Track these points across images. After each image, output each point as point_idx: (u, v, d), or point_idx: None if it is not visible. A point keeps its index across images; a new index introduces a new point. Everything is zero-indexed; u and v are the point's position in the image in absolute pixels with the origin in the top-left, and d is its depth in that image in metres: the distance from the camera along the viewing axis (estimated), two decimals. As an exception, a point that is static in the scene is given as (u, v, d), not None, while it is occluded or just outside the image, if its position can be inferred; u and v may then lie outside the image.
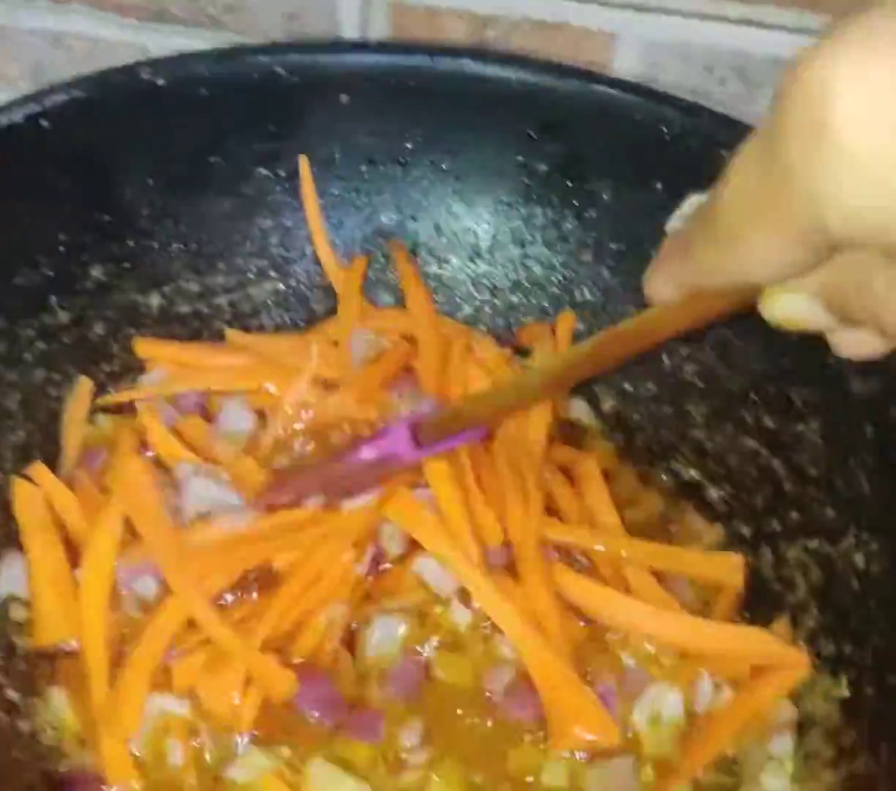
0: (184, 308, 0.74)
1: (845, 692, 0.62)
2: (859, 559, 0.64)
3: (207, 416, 0.72)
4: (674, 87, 0.77)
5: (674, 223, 0.41)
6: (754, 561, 0.70)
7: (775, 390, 0.71)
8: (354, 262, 0.77)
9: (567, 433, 0.76)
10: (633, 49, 0.78)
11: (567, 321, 0.77)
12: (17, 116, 0.63)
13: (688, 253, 0.36)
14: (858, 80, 0.25)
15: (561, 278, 0.77)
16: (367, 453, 0.62)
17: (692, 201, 0.40)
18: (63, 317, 0.69)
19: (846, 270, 0.34)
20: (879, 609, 0.62)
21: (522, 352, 0.78)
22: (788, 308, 0.37)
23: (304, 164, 0.74)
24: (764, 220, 0.30)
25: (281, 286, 0.77)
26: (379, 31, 0.80)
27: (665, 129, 0.70)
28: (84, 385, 0.71)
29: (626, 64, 0.78)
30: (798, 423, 0.70)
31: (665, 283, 0.39)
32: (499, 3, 0.78)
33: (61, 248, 0.68)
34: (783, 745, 0.61)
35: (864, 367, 0.68)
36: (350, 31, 0.80)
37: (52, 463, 0.68)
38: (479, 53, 0.72)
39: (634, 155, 0.72)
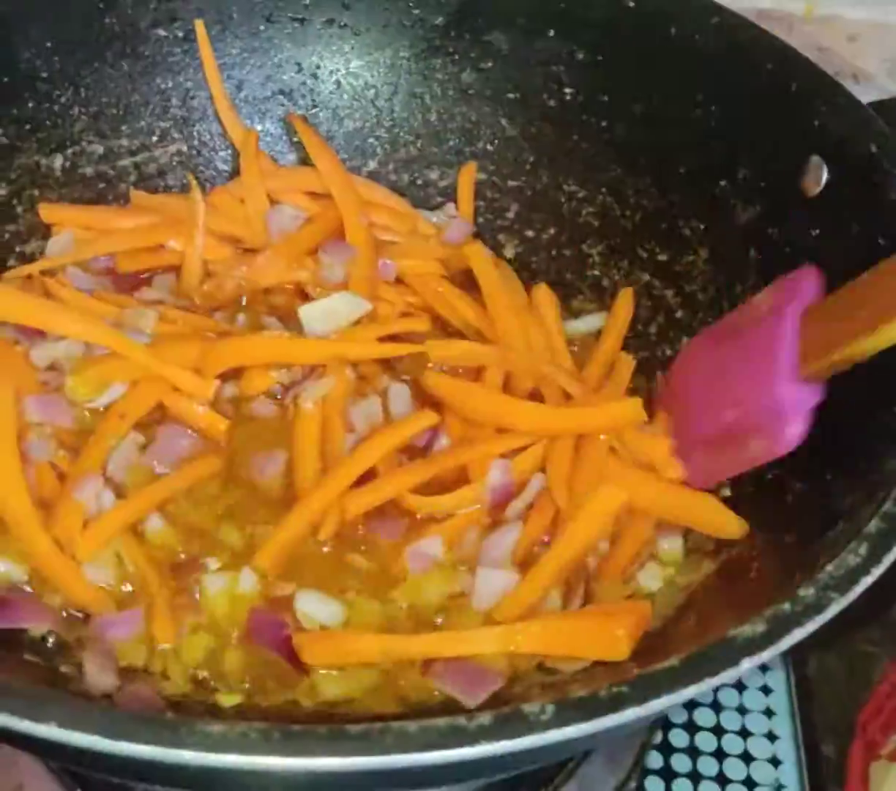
0: (88, 170, 0.75)
1: (727, 491, 0.65)
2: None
3: (117, 278, 0.74)
4: None
5: None
6: (650, 385, 0.73)
7: (666, 225, 0.73)
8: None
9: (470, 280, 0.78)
10: None
11: (469, 171, 0.79)
12: None
13: None
14: None
15: (461, 129, 0.79)
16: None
17: None
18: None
19: None
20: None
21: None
22: None
23: (200, 27, 0.75)
24: None
25: (184, 147, 0.78)
26: None
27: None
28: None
29: None
30: (688, 253, 0.72)
31: None
32: None
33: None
34: (672, 544, 0.64)
35: (747, 195, 0.70)
36: None
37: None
38: None
39: (528, 4, 0.73)
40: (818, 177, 0.66)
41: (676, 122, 0.72)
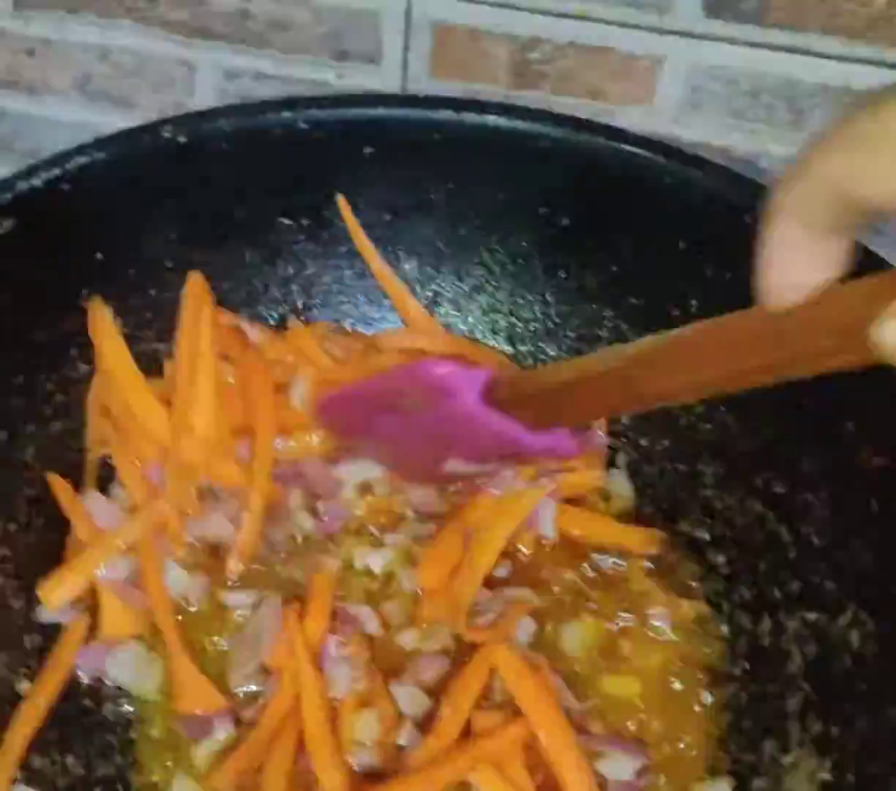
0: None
1: (828, 776, 0.62)
2: (855, 638, 0.64)
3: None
4: (719, 112, 0.77)
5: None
6: (753, 627, 0.70)
7: (786, 456, 0.71)
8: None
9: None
10: (678, 74, 0.77)
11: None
12: (37, 181, 0.65)
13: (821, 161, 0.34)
14: None
15: (579, 331, 0.77)
16: (438, 368, 0.57)
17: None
18: (83, 369, 0.71)
19: None
20: (868, 692, 0.62)
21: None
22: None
23: (344, 206, 0.75)
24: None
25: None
26: (421, 50, 0.79)
27: (690, 193, 0.69)
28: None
29: (669, 89, 0.77)
30: (806, 491, 0.70)
31: (791, 219, 0.36)
32: (543, 25, 0.77)
33: (83, 304, 0.70)
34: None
35: (878, 441, 0.67)
36: (392, 51, 0.80)
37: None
38: (505, 109, 0.71)
39: (659, 215, 0.71)
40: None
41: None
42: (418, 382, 0.59)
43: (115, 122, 0.88)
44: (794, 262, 0.37)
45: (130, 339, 0.72)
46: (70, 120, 0.90)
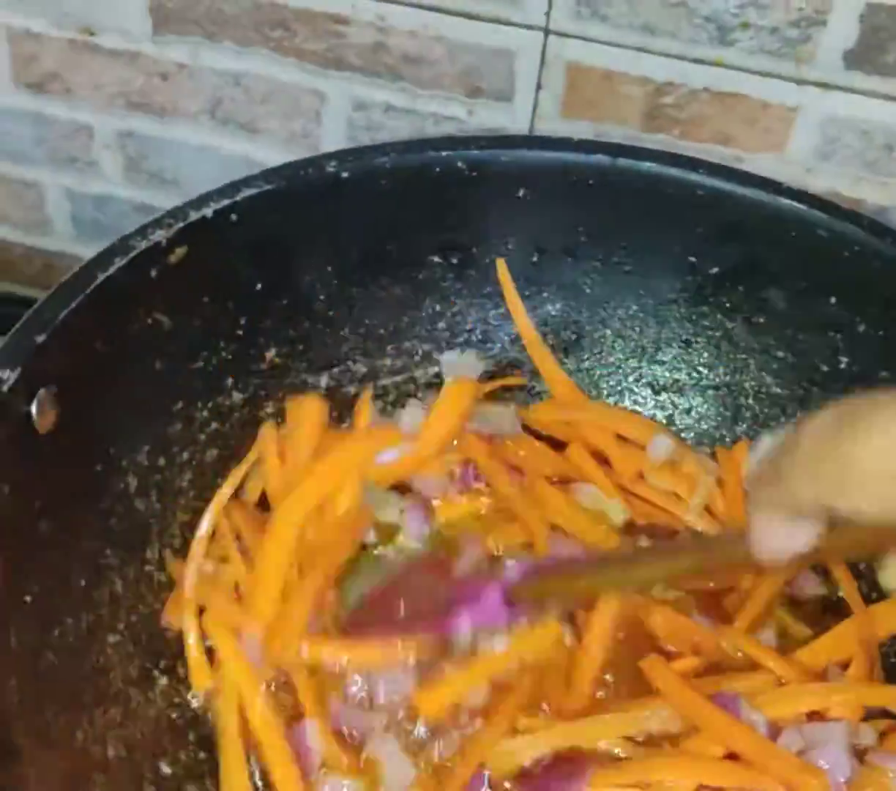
0: (350, 388, 0.77)
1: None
2: None
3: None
4: (851, 163, 0.77)
5: (757, 459, 0.45)
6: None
7: None
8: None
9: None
10: (812, 124, 0.77)
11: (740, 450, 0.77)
12: (208, 211, 0.66)
13: (772, 485, 0.42)
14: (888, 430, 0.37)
15: (722, 381, 0.77)
16: (463, 623, 0.60)
17: (768, 441, 0.44)
18: (236, 398, 0.72)
19: None
20: None
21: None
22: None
23: (502, 267, 0.76)
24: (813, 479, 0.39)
25: (442, 370, 0.79)
26: (553, 90, 0.80)
27: (846, 248, 0.70)
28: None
29: (802, 138, 0.77)
30: None
31: (763, 512, 0.43)
32: (679, 70, 0.78)
33: (240, 332, 0.71)
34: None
35: None
36: (524, 89, 0.81)
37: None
38: (661, 156, 0.72)
39: (811, 268, 0.72)
40: None
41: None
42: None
43: (243, 147, 0.90)
44: (776, 535, 0.43)
45: (281, 370, 0.74)
46: (197, 143, 0.92)
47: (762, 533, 0.43)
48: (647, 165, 0.73)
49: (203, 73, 0.87)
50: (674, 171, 0.73)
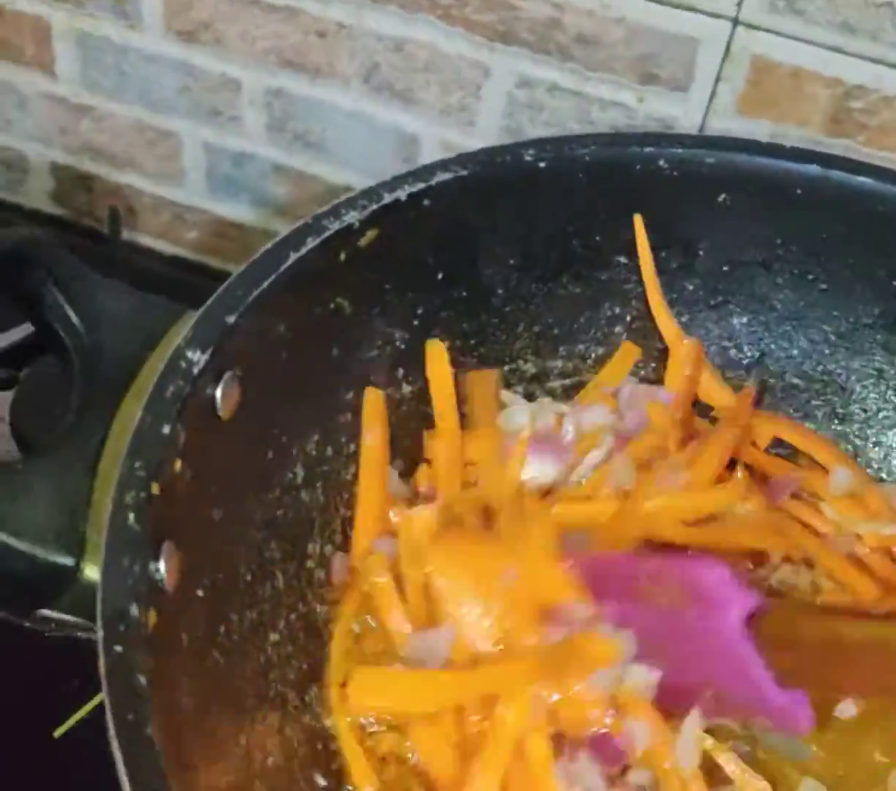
0: (518, 389, 0.73)
1: None
2: None
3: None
4: None
5: None
6: None
7: None
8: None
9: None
10: None
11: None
12: (402, 194, 0.63)
13: None
14: None
15: (914, 411, 0.74)
16: (708, 573, 0.51)
17: None
18: (406, 390, 0.69)
19: None
20: None
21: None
22: None
23: (638, 222, 0.71)
24: None
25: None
26: (734, 84, 0.77)
27: None
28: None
29: None
30: None
31: None
32: (874, 74, 0.73)
33: (416, 322, 0.68)
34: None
35: None
36: (703, 80, 0.77)
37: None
38: (878, 172, 0.68)
39: None
40: None
41: None
42: (681, 582, 0.52)
43: (395, 116, 0.87)
44: None
45: (455, 364, 0.70)
46: (347, 108, 0.89)
47: None
48: (860, 180, 0.69)
49: (363, 36, 0.84)
50: (891, 189, 0.69)
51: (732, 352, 0.75)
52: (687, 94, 0.79)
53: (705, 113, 0.79)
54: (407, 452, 0.69)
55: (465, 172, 0.65)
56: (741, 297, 0.74)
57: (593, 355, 0.75)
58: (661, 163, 0.68)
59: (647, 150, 0.68)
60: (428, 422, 0.70)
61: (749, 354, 0.75)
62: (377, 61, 0.85)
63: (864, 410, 0.75)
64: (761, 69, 0.76)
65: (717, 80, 0.77)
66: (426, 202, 0.64)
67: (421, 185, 0.64)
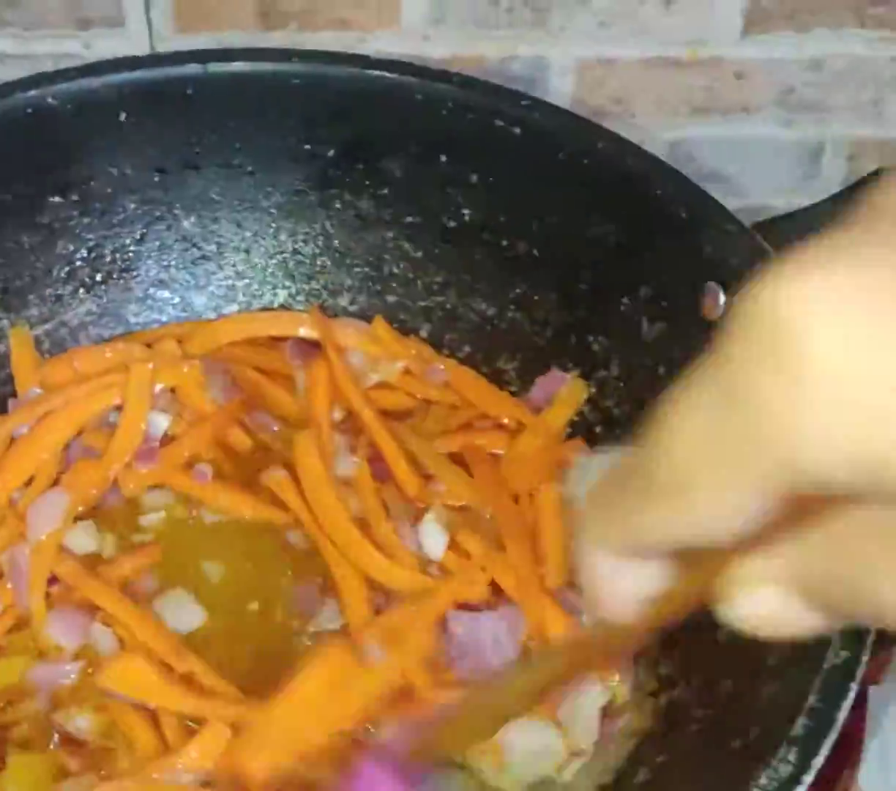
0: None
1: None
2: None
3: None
4: (463, 26, 0.81)
5: (582, 487, 0.36)
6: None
7: (576, 340, 0.78)
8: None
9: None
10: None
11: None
12: None
13: (620, 513, 0.29)
14: (831, 299, 0.23)
15: (366, 255, 0.81)
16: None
17: (596, 461, 0.35)
18: None
19: (834, 547, 0.28)
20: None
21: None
22: (757, 606, 0.29)
23: None
24: (720, 464, 0.25)
25: (94, 307, 0.78)
26: (162, 9, 0.78)
27: (442, 107, 0.73)
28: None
29: (413, 8, 0.80)
30: (600, 369, 0.78)
31: (598, 551, 0.31)
32: None
33: None
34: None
35: (651, 313, 0.75)
36: (134, 12, 0.78)
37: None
38: (250, 53, 0.73)
39: (417, 132, 0.75)
40: (716, 301, 0.72)
41: (575, 241, 0.75)
42: None
43: None
44: (614, 587, 0.32)
45: None
46: None
47: (596, 578, 0.31)
48: (237, 65, 0.73)
49: None
50: (266, 66, 0.73)
51: (193, 251, 0.79)
52: (125, 27, 0.79)
53: (151, 41, 0.80)
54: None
55: None
56: (186, 200, 0.77)
57: (66, 292, 0.77)
58: (51, 100, 0.70)
59: (32, 92, 0.69)
60: None
61: (208, 250, 0.80)
62: None
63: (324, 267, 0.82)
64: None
65: (147, 7, 0.78)
66: None
67: None
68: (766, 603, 0.29)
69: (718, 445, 0.25)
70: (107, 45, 0.80)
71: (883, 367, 0.22)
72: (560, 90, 0.85)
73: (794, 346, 0.23)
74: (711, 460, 0.25)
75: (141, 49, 0.80)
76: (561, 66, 0.84)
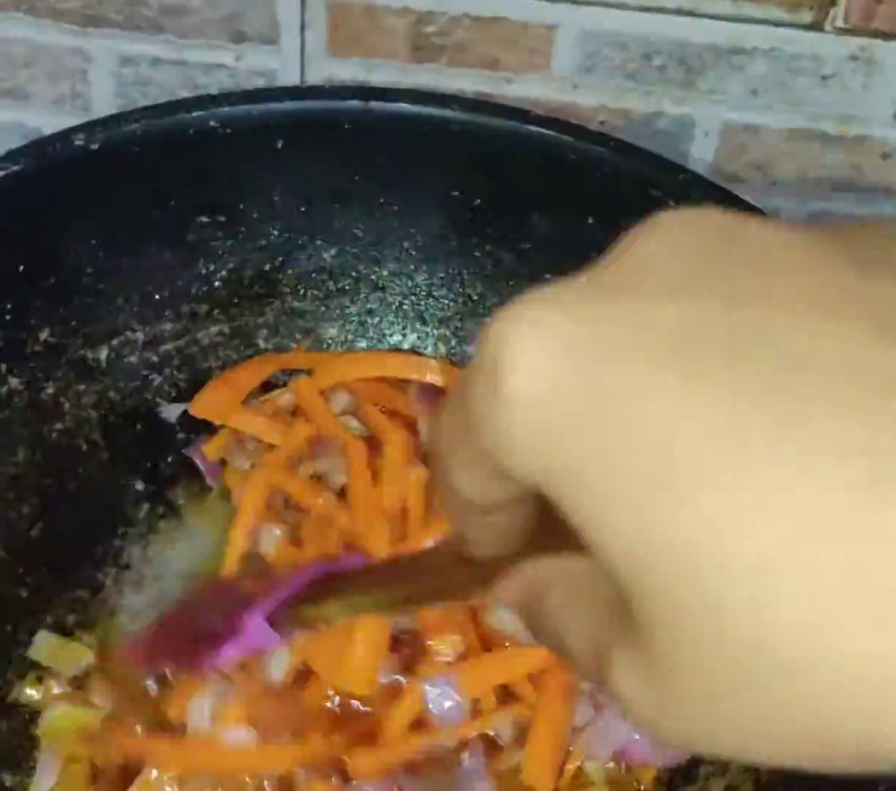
0: (132, 358, 0.76)
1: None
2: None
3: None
4: (613, 76, 0.79)
5: None
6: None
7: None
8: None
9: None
10: (572, 40, 0.79)
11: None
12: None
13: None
14: (532, 330, 0.26)
15: (500, 308, 0.79)
16: (229, 652, 0.49)
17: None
18: (14, 383, 0.71)
19: (532, 573, 0.30)
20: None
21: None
22: (500, 617, 0.31)
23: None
24: (458, 444, 0.29)
25: (227, 328, 0.79)
26: (316, 30, 0.79)
27: (596, 169, 0.72)
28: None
29: (565, 55, 0.79)
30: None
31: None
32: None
33: (8, 317, 0.69)
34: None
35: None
36: (289, 31, 0.80)
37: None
38: (413, 95, 0.73)
39: (567, 191, 0.74)
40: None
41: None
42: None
43: (12, 114, 0.86)
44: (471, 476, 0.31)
45: (61, 349, 0.73)
46: None
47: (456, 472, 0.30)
48: (398, 106, 0.73)
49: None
50: (427, 110, 0.73)
51: (330, 284, 0.80)
52: (278, 45, 0.81)
53: (301, 61, 0.81)
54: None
55: (17, 168, 0.67)
56: (325, 232, 0.78)
57: (202, 311, 0.78)
58: (212, 123, 0.71)
59: (196, 113, 0.71)
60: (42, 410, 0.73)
61: (346, 284, 0.80)
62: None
63: (457, 314, 0.81)
64: (337, 13, 0.78)
65: (302, 28, 0.80)
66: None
67: (-32, 183, 0.65)
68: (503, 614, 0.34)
69: (457, 431, 0.29)
70: (257, 60, 0.82)
71: (561, 399, 0.26)
72: (702, 150, 0.84)
73: (499, 369, 0.27)
74: (454, 439, 0.29)
75: (291, 67, 0.82)
76: (706, 127, 0.82)
